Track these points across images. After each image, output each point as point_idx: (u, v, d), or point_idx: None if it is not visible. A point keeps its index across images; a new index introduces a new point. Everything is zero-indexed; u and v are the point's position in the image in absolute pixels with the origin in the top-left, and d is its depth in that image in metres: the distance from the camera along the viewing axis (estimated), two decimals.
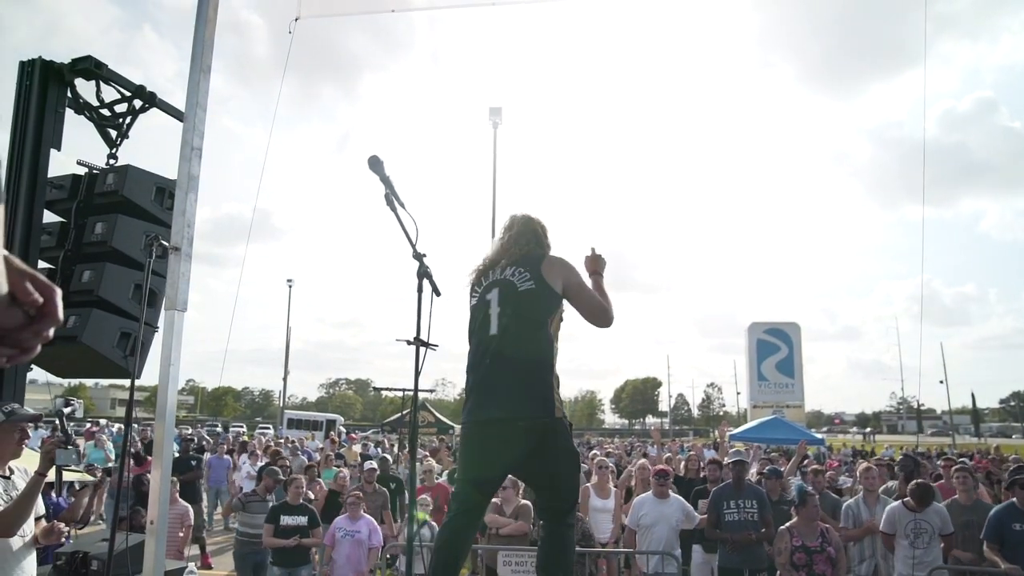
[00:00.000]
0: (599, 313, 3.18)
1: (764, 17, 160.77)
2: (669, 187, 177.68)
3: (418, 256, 2.72)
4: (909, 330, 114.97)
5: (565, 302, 3.18)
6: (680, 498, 7.10)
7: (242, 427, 52.61)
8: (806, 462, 10.29)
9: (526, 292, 3.07)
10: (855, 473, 13.08)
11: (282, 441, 20.61)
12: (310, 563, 7.34)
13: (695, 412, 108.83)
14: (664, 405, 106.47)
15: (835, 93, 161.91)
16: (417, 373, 2.68)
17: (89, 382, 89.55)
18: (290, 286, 46.50)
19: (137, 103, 4.60)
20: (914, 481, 6.56)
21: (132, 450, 9.10)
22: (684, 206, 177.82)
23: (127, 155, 4.72)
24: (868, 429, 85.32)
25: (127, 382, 4.25)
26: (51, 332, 0.88)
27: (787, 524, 6.18)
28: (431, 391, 53.31)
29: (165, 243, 3.80)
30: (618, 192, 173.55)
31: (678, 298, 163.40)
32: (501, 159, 33.16)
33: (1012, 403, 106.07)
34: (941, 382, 47.29)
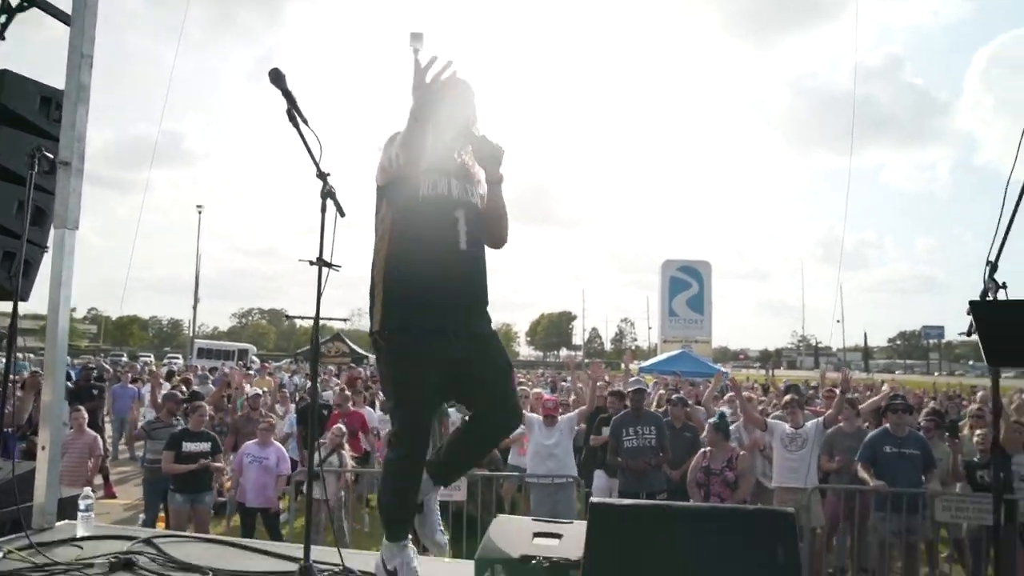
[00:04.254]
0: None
1: None
2: (592, 124, 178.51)
3: (322, 175, 2.62)
4: (814, 272, 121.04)
5: (389, 187, 2.72)
6: (565, 418, 7.19)
7: (150, 357, 50.92)
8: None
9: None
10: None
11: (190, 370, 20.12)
12: (211, 490, 7.22)
13: (608, 346, 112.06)
14: (578, 338, 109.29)
15: (757, 42, 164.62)
16: (319, 294, 2.62)
17: None
18: (199, 212, 44.69)
19: (13, 1, 4.16)
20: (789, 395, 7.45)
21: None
22: (607, 144, 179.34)
23: (7, 65, 4.29)
24: (769, 364, 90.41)
25: (8, 306, 3.99)
26: None
27: (704, 448, 6.55)
28: (345, 320, 52.70)
29: (50, 156, 3.54)
30: (541, 127, 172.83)
31: (596, 234, 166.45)
32: None
33: (898, 342, 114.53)
34: (838, 321, 50.16)
